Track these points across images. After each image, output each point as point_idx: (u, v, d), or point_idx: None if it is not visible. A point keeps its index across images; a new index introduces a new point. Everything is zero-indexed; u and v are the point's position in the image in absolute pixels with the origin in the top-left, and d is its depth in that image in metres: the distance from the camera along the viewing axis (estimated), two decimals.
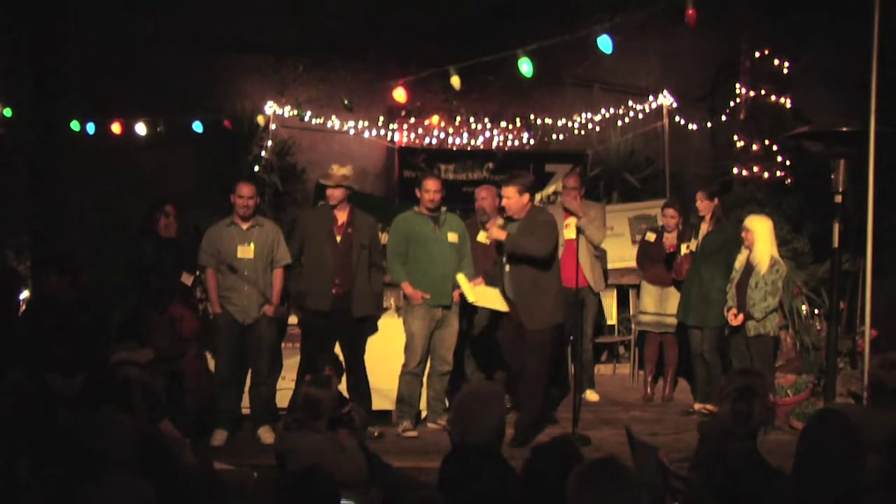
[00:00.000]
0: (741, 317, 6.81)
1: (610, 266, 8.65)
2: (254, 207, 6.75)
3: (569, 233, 7.63)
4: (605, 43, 6.69)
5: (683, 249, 7.57)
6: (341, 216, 6.80)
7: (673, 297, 7.74)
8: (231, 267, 6.63)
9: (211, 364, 6.89)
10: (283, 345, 7.09)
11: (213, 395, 6.76)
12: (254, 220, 6.74)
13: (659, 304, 7.88)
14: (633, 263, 8.51)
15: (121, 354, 6.02)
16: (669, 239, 7.78)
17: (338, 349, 6.70)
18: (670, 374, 8.03)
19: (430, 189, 6.83)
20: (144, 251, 6.72)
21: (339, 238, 6.77)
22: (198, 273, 6.79)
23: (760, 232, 6.88)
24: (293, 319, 7.17)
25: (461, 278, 6.65)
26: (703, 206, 7.45)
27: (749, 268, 6.90)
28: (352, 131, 10.12)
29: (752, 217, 7.08)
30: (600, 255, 7.98)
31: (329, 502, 3.33)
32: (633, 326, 8.82)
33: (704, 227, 7.48)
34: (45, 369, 5.58)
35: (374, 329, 7.10)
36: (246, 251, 6.66)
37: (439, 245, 6.84)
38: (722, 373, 7.67)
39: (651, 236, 7.96)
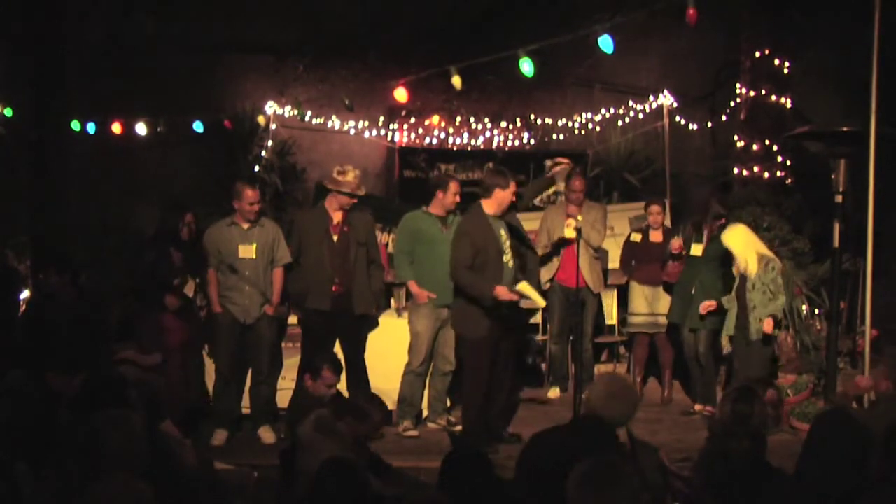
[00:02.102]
0: (710, 304, 6.96)
1: (610, 266, 8.64)
2: (259, 210, 6.76)
3: (568, 232, 7.63)
4: (605, 43, 6.68)
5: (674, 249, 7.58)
6: (337, 215, 6.81)
7: (665, 298, 7.73)
8: (231, 267, 6.63)
9: (210, 365, 6.90)
10: (283, 344, 7.09)
11: (214, 398, 6.77)
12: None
13: (650, 305, 7.87)
14: None
15: (128, 354, 6.03)
16: (656, 236, 7.77)
17: (337, 348, 6.70)
18: (667, 376, 8.02)
19: (457, 191, 6.91)
20: (161, 256, 6.67)
21: (335, 237, 6.77)
22: (198, 280, 6.79)
23: (734, 243, 6.84)
24: (293, 319, 7.17)
25: (526, 287, 6.21)
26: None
27: (743, 277, 6.91)
28: (352, 131, 10.11)
29: (724, 234, 7.00)
30: (600, 256, 7.97)
31: (359, 492, 3.33)
32: (624, 329, 8.79)
33: (706, 232, 7.46)
34: (45, 369, 5.59)
35: (375, 326, 7.11)
36: (248, 251, 6.66)
37: (446, 246, 6.83)
38: (716, 374, 7.70)
39: (636, 237, 7.94)
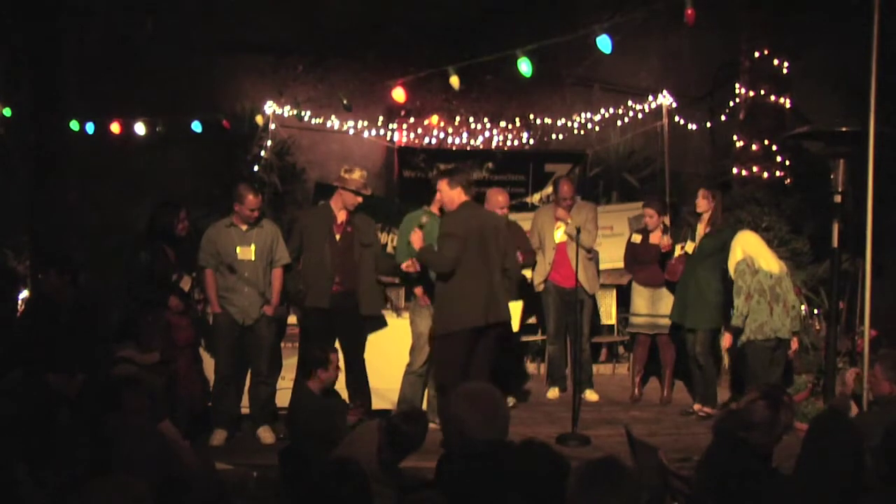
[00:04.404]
0: (727, 336, 6.96)
1: (609, 266, 8.64)
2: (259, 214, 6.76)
3: (559, 237, 7.66)
4: (604, 43, 6.68)
5: (677, 251, 7.56)
6: (341, 215, 6.81)
7: (665, 298, 7.73)
8: (230, 268, 6.62)
9: (210, 365, 6.89)
10: (282, 345, 7.09)
11: (214, 398, 6.76)
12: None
13: (651, 306, 7.87)
14: None
15: (128, 352, 6.02)
16: (655, 237, 7.77)
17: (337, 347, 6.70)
18: (667, 376, 8.02)
19: None
20: (156, 254, 6.67)
21: (338, 237, 6.78)
22: (194, 275, 6.78)
23: (733, 248, 6.90)
24: (292, 319, 7.17)
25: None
26: (704, 203, 7.42)
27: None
28: (351, 131, 10.12)
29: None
30: (593, 257, 7.96)
31: (359, 492, 3.34)
32: (625, 329, 8.80)
33: (701, 229, 7.46)
34: (45, 369, 5.58)
35: (377, 327, 7.11)
36: (246, 252, 6.66)
37: None
38: (716, 375, 7.70)
39: (637, 238, 7.95)
